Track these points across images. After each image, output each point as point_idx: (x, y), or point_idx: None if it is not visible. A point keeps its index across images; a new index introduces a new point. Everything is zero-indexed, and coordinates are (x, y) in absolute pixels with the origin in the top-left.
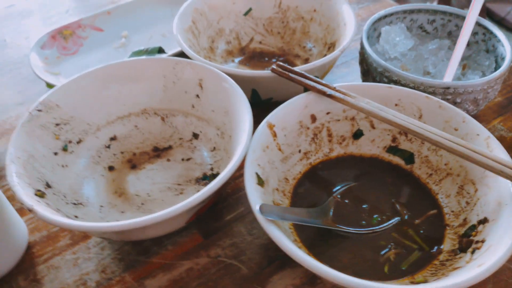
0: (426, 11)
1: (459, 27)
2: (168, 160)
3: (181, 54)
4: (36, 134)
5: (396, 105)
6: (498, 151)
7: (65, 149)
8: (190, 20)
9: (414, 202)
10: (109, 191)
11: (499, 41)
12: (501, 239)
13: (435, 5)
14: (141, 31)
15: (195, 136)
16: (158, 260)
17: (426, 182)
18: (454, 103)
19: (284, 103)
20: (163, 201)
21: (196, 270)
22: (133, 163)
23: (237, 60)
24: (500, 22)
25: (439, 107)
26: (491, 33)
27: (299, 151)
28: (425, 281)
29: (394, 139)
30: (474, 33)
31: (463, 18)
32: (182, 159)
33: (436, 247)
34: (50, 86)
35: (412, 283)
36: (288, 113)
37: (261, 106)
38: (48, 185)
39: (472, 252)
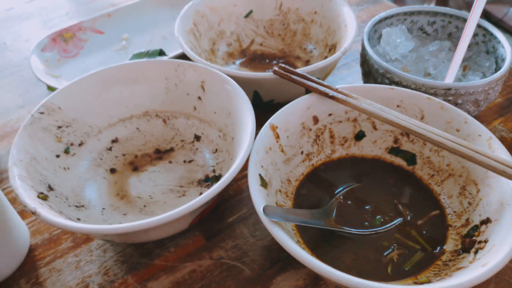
0: (427, 13)
1: (459, 29)
2: (170, 162)
3: (182, 56)
4: (38, 137)
5: (398, 106)
6: (500, 152)
7: (67, 151)
8: (192, 22)
9: (417, 203)
10: (111, 193)
11: (499, 42)
12: (504, 239)
13: (435, 7)
14: (142, 33)
15: (197, 138)
16: (160, 262)
17: (428, 183)
18: (455, 104)
19: (286, 105)
20: (165, 203)
21: (199, 272)
22: (135, 165)
23: (238, 62)
24: (498, 23)
25: (441, 108)
26: (491, 34)
27: (302, 152)
28: (428, 282)
29: (396, 140)
30: (474, 35)
31: (463, 19)
32: (184, 161)
33: (438, 248)
34: (51, 88)
35: (416, 283)
36: (290, 115)
37: (263, 108)
38: (51, 188)
39: (475, 252)
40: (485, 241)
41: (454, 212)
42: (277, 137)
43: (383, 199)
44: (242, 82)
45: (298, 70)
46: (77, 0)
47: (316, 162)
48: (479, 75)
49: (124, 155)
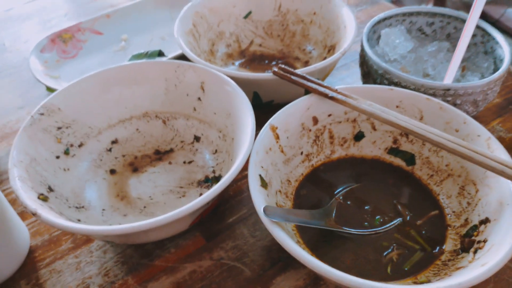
0: (425, 13)
1: (457, 30)
2: (170, 163)
3: (181, 57)
4: (38, 138)
5: (397, 107)
6: (499, 152)
7: (67, 152)
8: (191, 23)
9: (416, 203)
10: (111, 194)
11: (497, 43)
12: (504, 238)
13: (434, 8)
14: (141, 34)
15: (197, 139)
16: (161, 263)
17: (427, 183)
18: (454, 105)
19: (286, 105)
20: (166, 204)
21: (199, 273)
22: (135, 166)
23: (237, 63)
24: (494, 24)
25: (440, 109)
26: (490, 35)
27: (301, 153)
28: (428, 281)
29: (395, 141)
30: (472, 35)
31: (461, 20)
32: (184, 162)
33: (438, 248)
34: (50, 89)
35: (415, 283)
36: (290, 115)
37: (262, 109)
38: (51, 189)
39: (475, 252)
40: (484, 241)
41: (453, 212)
42: (277, 137)
43: (382, 199)
44: (241, 83)
45: (298, 71)
46: (76, 1)
47: (315, 162)
48: (477, 75)
49: (124, 156)
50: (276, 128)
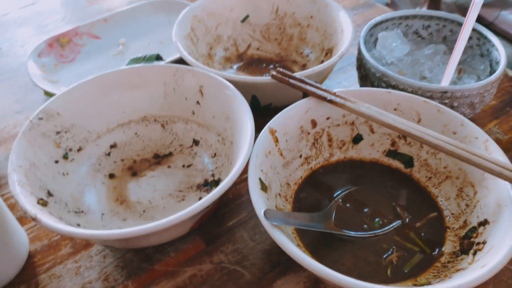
0: (421, 16)
1: (453, 32)
2: (169, 167)
3: (179, 61)
4: (37, 142)
5: (395, 109)
6: (496, 154)
7: (65, 157)
8: (189, 27)
9: (415, 205)
10: (111, 198)
11: (493, 45)
12: (503, 240)
13: (430, 11)
14: (138, 38)
15: (196, 142)
16: (161, 267)
17: (426, 185)
18: (451, 107)
19: (285, 108)
20: (165, 208)
21: (200, 277)
22: (134, 171)
23: (235, 66)
24: (489, 27)
25: (438, 111)
26: (485, 38)
27: (300, 156)
28: (428, 283)
29: (393, 143)
30: (468, 38)
31: (457, 23)
32: (183, 166)
33: (437, 250)
34: (48, 94)
35: (415, 285)
36: (289, 119)
37: (260, 112)
38: (50, 194)
39: (474, 254)
40: (484, 243)
41: (452, 214)
42: (276, 141)
43: (381, 202)
44: (240, 86)
45: (296, 74)
46: (73, 5)
47: (314, 165)
48: (474, 78)
49: (122, 160)
50: (275, 131)
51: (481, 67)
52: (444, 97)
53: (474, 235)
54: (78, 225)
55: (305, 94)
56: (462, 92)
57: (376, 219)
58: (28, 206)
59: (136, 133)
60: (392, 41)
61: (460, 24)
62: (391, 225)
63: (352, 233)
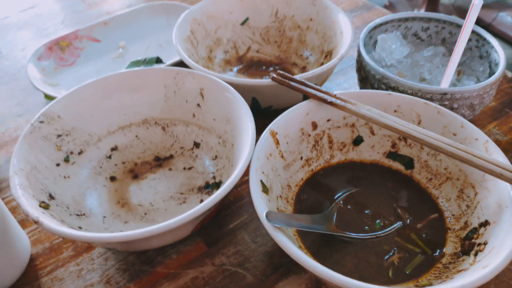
0: (420, 19)
1: (452, 34)
2: (170, 169)
3: (179, 64)
4: (39, 146)
5: (395, 111)
6: (497, 155)
7: (67, 160)
8: (189, 30)
9: (415, 207)
10: (112, 201)
11: (492, 47)
12: (504, 240)
13: (429, 13)
14: (138, 41)
15: (197, 145)
16: (162, 269)
17: (426, 186)
18: (451, 109)
19: (285, 111)
20: (166, 210)
21: (201, 279)
22: (135, 173)
23: (235, 69)
24: (487, 28)
25: (438, 113)
26: (484, 39)
27: (301, 158)
28: (429, 284)
29: (393, 145)
30: (467, 40)
31: (456, 25)
32: (184, 168)
33: (438, 251)
34: (48, 97)
35: (417, 286)
36: (290, 121)
37: (261, 114)
38: (52, 197)
39: (475, 255)
40: (485, 243)
41: (453, 215)
42: (277, 143)
43: (382, 203)
44: (241, 88)
45: (297, 77)
46: (72, 8)
47: (315, 167)
48: (473, 79)
49: (123, 163)
50: (276, 133)
51: (480, 69)
52: (444, 99)
53: (475, 236)
54: (80, 228)
55: (306, 96)
56: (462, 93)
57: (377, 221)
58: (30, 209)
59: (137, 136)
60: (391, 43)
61: (458, 26)
62: (392, 227)
63: (353, 235)
